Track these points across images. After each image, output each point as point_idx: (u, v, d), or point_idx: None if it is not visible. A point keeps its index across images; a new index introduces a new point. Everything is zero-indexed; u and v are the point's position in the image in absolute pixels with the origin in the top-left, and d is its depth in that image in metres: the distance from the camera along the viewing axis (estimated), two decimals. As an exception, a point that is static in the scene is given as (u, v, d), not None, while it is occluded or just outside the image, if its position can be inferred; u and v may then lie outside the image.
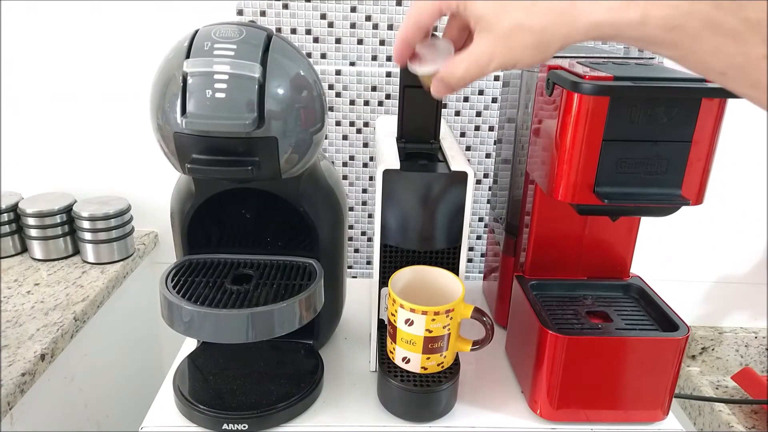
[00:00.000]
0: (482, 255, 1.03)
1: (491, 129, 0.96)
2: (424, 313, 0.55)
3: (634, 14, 0.31)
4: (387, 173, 0.57)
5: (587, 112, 0.50)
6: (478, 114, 0.95)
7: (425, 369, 0.58)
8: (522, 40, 0.36)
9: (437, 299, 0.59)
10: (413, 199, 0.58)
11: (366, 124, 0.95)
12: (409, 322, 0.56)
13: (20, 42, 0.90)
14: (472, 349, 0.60)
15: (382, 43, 0.90)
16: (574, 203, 0.55)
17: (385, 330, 0.62)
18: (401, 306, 0.55)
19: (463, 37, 0.44)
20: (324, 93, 0.57)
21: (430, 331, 0.56)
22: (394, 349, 0.59)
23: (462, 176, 0.57)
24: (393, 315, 0.57)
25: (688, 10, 0.30)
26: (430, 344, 0.56)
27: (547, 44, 0.35)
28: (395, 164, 0.57)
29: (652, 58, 0.62)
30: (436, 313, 0.55)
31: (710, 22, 0.29)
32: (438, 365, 0.58)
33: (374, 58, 0.91)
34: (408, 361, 0.58)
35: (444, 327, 0.56)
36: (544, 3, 0.34)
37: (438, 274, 0.61)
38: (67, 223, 0.92)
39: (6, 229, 0.92)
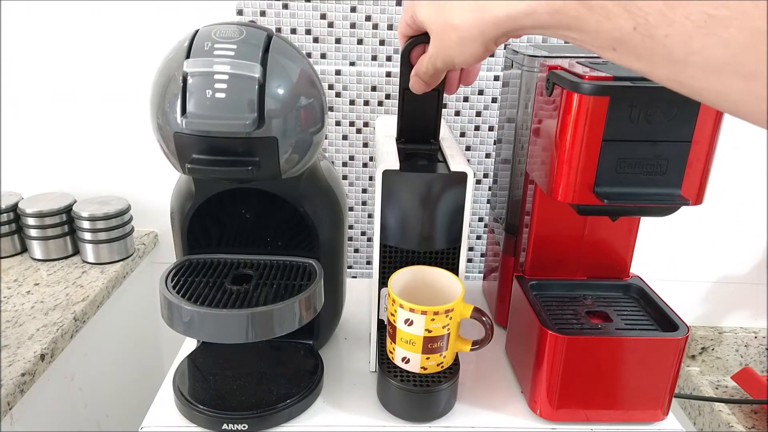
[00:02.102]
0: (482, 255, 1.03)
1: (491, 129, 0.96)
2: (424, 313, 0.55)
3: (523, 6, 0.37)
4: (387, 174, 0.57)
5: (587, 112, 0.50)
6: (478, 114, 0.95)
7: (425, 369, 0.58)
8: (449, 37, 0.43)
9: (437, 299, 0.59)
10: (413, 199, 0.58)
11: (366, 124, 0.95)
12: (409, 322, 0.56)
13: (20, 42, 0.90)
14: (471, 349, 0.60)
15: (382, 43, 0.90)
16: (573, 203, 0.55)
17: (384, 330, 0.62)
18: (401, 306, 0.55)
19: None
20: (324, 93, 0.57)
21: (430, 331, 0.56)
22: (393, 349, 0.59)
23: (462, 176, 0.57)
24: (392, 315, 0.57)
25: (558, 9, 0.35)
26: (430, 344, 0.56)
27: (470, 39, 0.42)
28: (395, 165, 0.57)
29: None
30: (436, 313, 0.55)
31: (585, 3, 0.33)
32: (438, 365, 0.58)
33: (374, 58, 0.91)
34: (408, 361, 0.58)
35: (443, 327, 0.56)
36: (464, 5, 0.41)
37: (438, 274, 0.61)
38: (66, 223, 0.92)
39: (6, 229, 0.92)
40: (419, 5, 0.47)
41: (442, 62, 0.47)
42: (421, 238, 0.60)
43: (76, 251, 0.94)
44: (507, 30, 0.40)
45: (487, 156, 0.97)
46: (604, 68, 0.53)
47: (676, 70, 0.30)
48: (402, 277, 0.60)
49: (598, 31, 0.33)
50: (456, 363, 0.61)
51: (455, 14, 0.42)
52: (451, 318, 0.56)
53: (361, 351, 0.72)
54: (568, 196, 0.54)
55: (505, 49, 0.91)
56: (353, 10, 0.88)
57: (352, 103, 0.94)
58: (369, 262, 1.04)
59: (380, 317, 0.66)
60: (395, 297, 0.56)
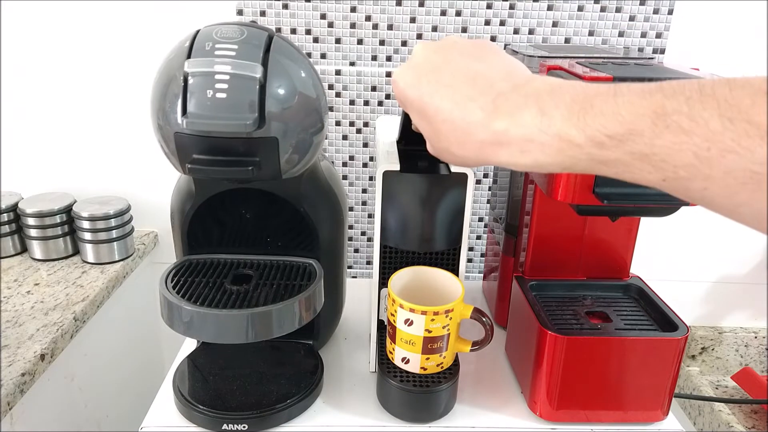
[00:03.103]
0: (482, 255, 1.03)
1: (491, 129, 0.95)
2: (424, 313, 0.55)
3: (528, 161, 0.35)
4: (387, 174, 0.57)
5: (587, 112, 0.50)
6: (478, 114, 0.95)
7: (425, 369, 0.58)
8: (448, 158, 0.41)
9: (437, 299, 0.59)
10: (413, 200, 0.58)
11: (366, 124, 0.95)
12: (409, 322, 0.56)
13: (20, 42, 0.90)
14: (471, 350, 0.60)
15: (382, 43, 0.90)
16: (573, 204, 0.55)
17: (385, 330, 0.62)
18: (401, 306, 0.55)
19: None
20: (324, 93, 0.57)
21: (430, 332, 0.56)
22: (393, 349, 0.59)
23: (462, 178, 0.57)
24: (392, 315, 0.57)
25: (573, 155, 0.32)
26: (430, 344, 0.56)
27: (466, 165, 0.41)
28: (395, 165, 0.57)
29: (652, 59, 0.62)
30: (436, 314, 0.55)
31: (596, 160, 0.32)
32: (437, 366, 0.58)
33: (374, 58, 0.91)
34: (407, 362, 0.58)
35: (443, 327, 0.56)
36: (466, 142, 0.38)
37: (438, 275, 0.61)
38: (67, 223, 0.92)
39: (6, 229, 0.92)
40: (413, 102, 0.41)
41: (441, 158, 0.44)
42: (422, 238, 0.60)
43: (76, 251, 0.94)
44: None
45: (487, 156, 0.97)
46: (604, 68, 0.53)
47: (721, 211, 0.29)
48: (402, 277, 0.60)
49: (623, 179, 0.32)
50: (456, 363, 0.61)
51: (458, 148, 0.39)
52: (451, 318, 0.56)
53: (361, 351, 0.72)
54: (568, 197, 0.54)
55: (505, 49, 0.91)
56: (353, 10, 0.88)
57: (352, 103, 0.94)
58: (369, 262, 1.04)
59: (380, 317, 0.66)
60: (395, 297, 0.56)
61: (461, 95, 0.38)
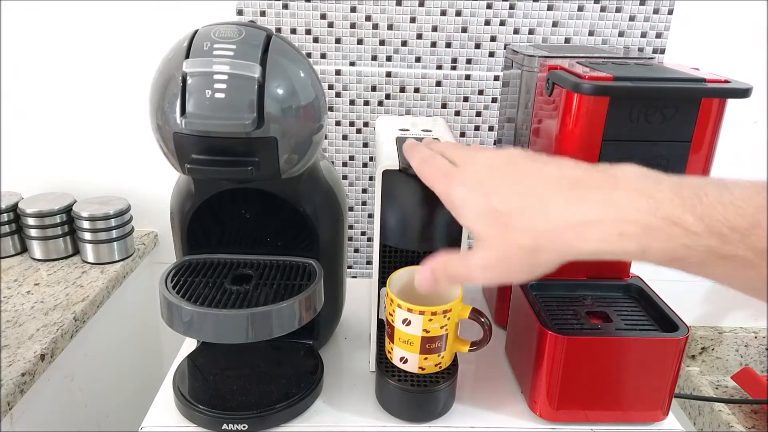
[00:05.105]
0: (482, 255, 1.03)
1: (491, 129, 0.96)
2: (422, 313, 0.55)
3: (632, 247, 0.31)
4: (387, 173, 0.57)
5: (587, 112, 0.50)
6: (478, 114, 0.95)
7: (423, 369, 0.58)
8: (518, 259, 0.36)
9: (435, 299, 0.59)
10: (413, 199, 0.58)
11: (366, 124, 0.95)
12: (407, 322, 0.56)
13: (20, 42, 0.90)
14: (470, 350, 0.59)
15: (382, 43, 0.90)
16: (573, 203, 0.55)
17: (384, 330, 0.62)
18: (399, 306, 0.55)
19: None
20: (324, 93, 0.57)
21: (428, 332, 0.55)
22: (392, 349, 0.59)
23: (462, 176, 0.57)
24: (391, 315, 0.57)
25: (689, 244, 0.29)
26: (428, 344, 0.56)
27: (539, 264, 0.36)
28: (395, 164, 0.57)
29: (652, 58, 0.62)
30: (434, 313, 0.55)
31: (716, 253, 0.29)
32: (436, 366, 0.58)
33: (374, 58, 0.91)
34: (405, 361, 0.58)
35: (441, 327, 0.56)
36: (542, 231, 0.34)
37: None
38: (67, 223, 0.92)
39: (6, 229, 0.92)
40: (465, 208, 0.38)
41: (489, 280, 0.39)
42: (421, 238, 0.60)
43: (76, 251, 0.94)
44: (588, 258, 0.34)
45: (487, 156, 0.97)
46: (604, 68, 0.53)
47: None
48: (401, 277, 0.60)
49: (728, 276, 0.30)
50: (455, 363, 0.61)
51: (530, 237, 0.34)
52: (449, 318, 0.56)
53: (361, 351, 0.72)
54: (568, 196, 0.54)
55: (505, 49, 0.91)
56: (353, 10, 0.88)
57: (352, 103, 0.94)
58: (369, 262, 1.04)
59: (380, 317, 0.66)
60: (393, 297, 0.56)
61: (532, 185, 0.35)
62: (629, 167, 0.33)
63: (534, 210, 0.34)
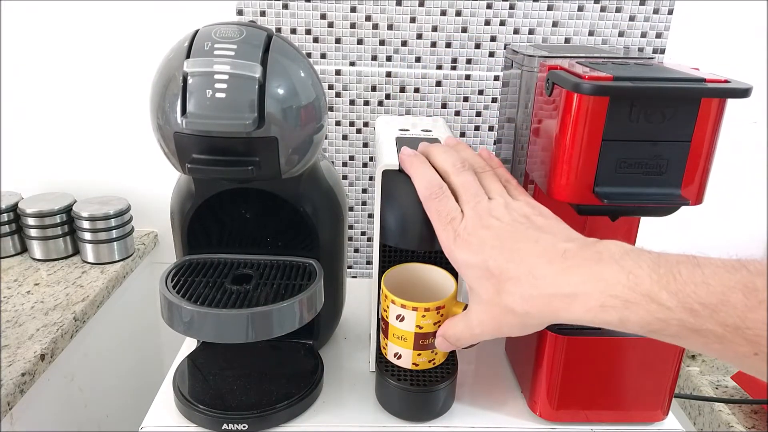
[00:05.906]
0: (482, 255, 1.03)
1: (491, 129, 0.96)
2: (414, 309, 0.55)
3: (612, 318, 0.34)
4: (386, 173, 0.57)
5: (587, 112, 0.50)
6: (478, 114, 0.95)
7: (416, 365, 0.58)
8: (509, 321, 0.41)
9: (430, 296, 0.59)
10: (413, 199, 0.58)
11: (366, 124, 0.95)
12: (400, 318, 0.56)
13: (20, 42, 0.90)
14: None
15: (382, 43, 0.90)
16: (573, 203, 0.55)
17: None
18: (392, 302, 0.56)
19: None
20: (324, 93, 0.57)
21: (421, 328, 0.56)
22: (386, 344, 0.59)
23: (462, 176, 0.57)
24: (385, 311, 0.57)
25: (664, 318, 0.32)
26: (421, 340, 0.56)
27: (529, 326, 0.41)
28: (395, 164, 0.57)
29: (652, 58, 0.62)
30: (426, 310, 0.55)
31: (688, 327, 0.31)
32: (429, 362, 0.58)
33: (374, 58, 0.91)
34: (399, 357, 0.58)
35: (435, 324, 0.56)
36: (533, 297, 0.38)
37: (432, 272, 0.61)
38: (67, 223, 0.92)
39: (6, 229, 0.92)
40: (465, 266, 0.44)
41: (487, 336, 0.45)
42: (421, 238, 0.60)
43: (76, 251, 0.95)
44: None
45: (487, 156, 0.97)
46: (604, 68, 0.53)
47: None
48: (397, 273, 0.61)
49: (703, 347, 0.32)
50: (454, 363, 0.61)
51: (521, 302, 0.39)
52: (442, 315, 0.56)
53: (361, 351, 0.72)
54: (568, 196, 0.54)
55: (505, 49, 0.91)
56: (353, 10, 0.88)
57: (352, 103, 0.94)
58: (369, 262, 1.04)
59: (380, 317, 0.66)
60: (387, 293, 0.56)
61: (526, 254, 0.39)
62: (613, 244, 0.37)
63: (526, 279, 0.38)
